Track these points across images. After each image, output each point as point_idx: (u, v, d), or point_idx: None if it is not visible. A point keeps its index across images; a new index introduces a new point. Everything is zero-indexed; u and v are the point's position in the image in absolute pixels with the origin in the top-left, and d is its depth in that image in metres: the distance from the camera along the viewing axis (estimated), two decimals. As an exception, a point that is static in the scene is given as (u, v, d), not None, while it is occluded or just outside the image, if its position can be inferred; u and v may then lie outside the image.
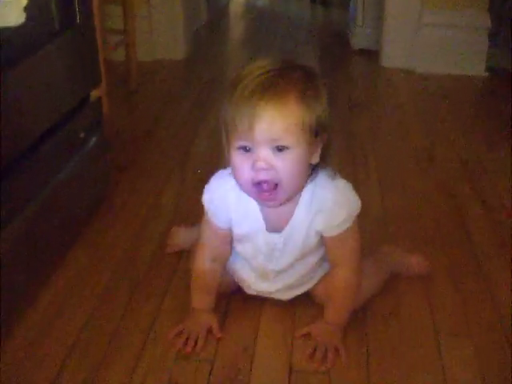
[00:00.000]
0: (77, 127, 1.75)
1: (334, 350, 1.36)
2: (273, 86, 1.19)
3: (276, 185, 1.24)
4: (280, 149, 1.21)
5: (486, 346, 1.40)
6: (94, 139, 1.84)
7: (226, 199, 1.35)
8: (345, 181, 1.35)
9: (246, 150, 1.22)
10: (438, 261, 1.69)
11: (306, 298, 1.52)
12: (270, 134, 1.19)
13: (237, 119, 1.19)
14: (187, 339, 1.39)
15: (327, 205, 1.32)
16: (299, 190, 1.31)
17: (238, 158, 1.24)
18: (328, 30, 4.41)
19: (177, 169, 2.22)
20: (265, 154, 1.20)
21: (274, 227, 1.36)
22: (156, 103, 2.86)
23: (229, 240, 1.43)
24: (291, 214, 1.34)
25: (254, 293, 1.52)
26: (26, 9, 1.25)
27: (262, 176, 1.23)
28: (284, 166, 1.22)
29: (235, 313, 1.50)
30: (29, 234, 1.48)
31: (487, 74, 3.27)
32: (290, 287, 1.49)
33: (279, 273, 1.45)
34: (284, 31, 4.33)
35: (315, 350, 1.37)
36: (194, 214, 1.76)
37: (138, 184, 2.10)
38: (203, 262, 1.44)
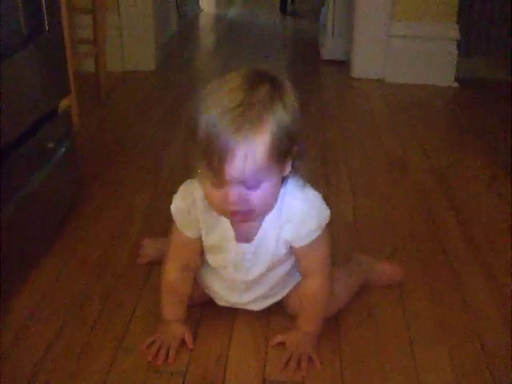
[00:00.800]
0: (46, 137, 1.72)
1: (308, 359, 1.35)
2: (243, 124, 1.12)
3: (250, 210, 1.22)
4: (251, 186, 1.18)
5: (460, 354, 1.39)
6: (63, 149, 1.81)
7: (194, 210, 1.33)
8: (314, 191, 1.33)
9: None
10: (411, 268, 1.69)
11: (279, 308, 1.51)
12: (241, 176, 1.15)
13: (207, 155, 1.15)
14: (158, 351, 1.37)
15: (296, 215, 1.29)
16: (274, 206, 1.29)
17: (208, 187, 1.22)
18: (298, 41, 4.43)
19: (148, 177, 2.20)
20: (236, 192, 1.18)
21: (244, 237, 1.34)
22: (127, 113, 2.84)
23: (199, 250, 1.41)
24: (260, 223, 1.32)
25: (226, 304, 1.50)
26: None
27: (235, 208, 1.20)
28: (258, 197, 1.20)
29: (208, 322, 1.49)
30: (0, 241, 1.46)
31: (457, 84, 3.29)
32: (263, 297, 1.47)
33: (250, 284, 1.43)
34: (254, 42, 4.33)
35: (289, 359, 1.35)
36: (167, 221, 1.75)
37: (110, 193, 2.08)
38: (173, 272, 1.42)
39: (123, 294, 1.58)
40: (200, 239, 1.38)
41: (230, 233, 1.34)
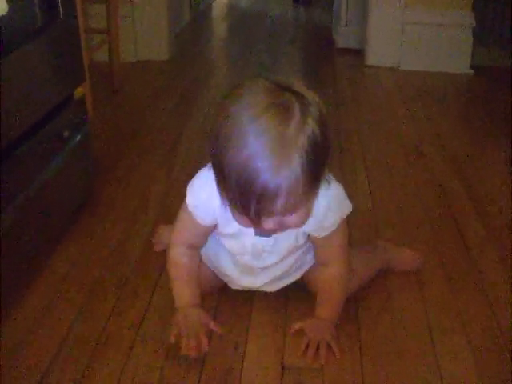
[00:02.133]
0: (61, 125, 1.72)
1: (327, 346, 1.34)
2: (281, 164, 1.03)
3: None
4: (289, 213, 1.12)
5: (480, 343, 1.38)
6: (78, 137, 1.80)
7: (211, 204, 1.27)
8: (337, 184, 1.30)
9: None
10: (429, 256, 1.68)
11: (297, 294, 1.50)
12: (282, 210, 1.09)
13: (242, 197, 1.06)
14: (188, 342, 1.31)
15: (319, 210, 1.25)
16: None
17: (238, 215, 1.14)
18: (312, 30, 4.40)
19: (163, 166, 2.19)
20: (274, 222, 1.12)
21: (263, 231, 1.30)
22: (140, 102, 2.83)
23: (209, 233, 1.39)
24: None
25: (239, 288, 1.49)
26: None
27: (268, 231, 1.19)
28: (295, 221, 1.14)
29: (224, 311, 1.48)
30: (14, 232, 1.45)
31: (472, 71, 3.26)
32: (278, 279, 1.46)
33: (265, 268, 1.42)
34: (267, 31, 4.31)
35: (307, 346, 1.34)
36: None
37: (124, 181, 2.07)
38: (181, 251, 1.39)
39: (139, 282, 1.57)
40: (213, 226, 1.36)
41: (249, 228, 1.28)
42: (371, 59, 3.39)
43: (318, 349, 1.34)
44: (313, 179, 1.08)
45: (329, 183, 1.25)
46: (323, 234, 1.33)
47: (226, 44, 4.08)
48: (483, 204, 1.95)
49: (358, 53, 3.58)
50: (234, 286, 1.50)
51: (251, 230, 1.29)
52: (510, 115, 2.67)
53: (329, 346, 1.34)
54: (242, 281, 1.47)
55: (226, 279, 1.50)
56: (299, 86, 1.09)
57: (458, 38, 3.24)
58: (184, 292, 1.39)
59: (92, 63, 2.84)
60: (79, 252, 1.69)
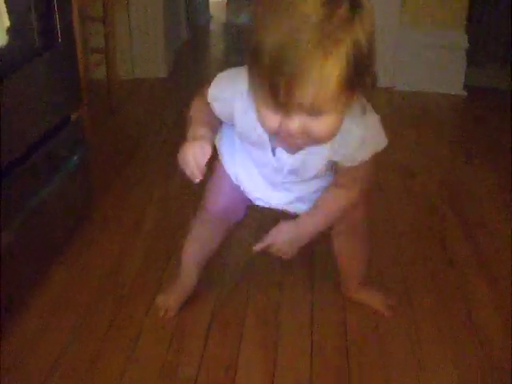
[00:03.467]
0: (58, 146, 1.75)
1: (276, 250, 1.37)
2: (319, 45, 0.97)
3: (308, 143, 1.13)
4: (316, 113, 1.05)
5: (465, 368, 1.40)
6: (75, 158, 1.83)
7: (231, 105, 1.22)
8: (374, 115, 1.23)
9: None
10: (417, 276, 1.70)
11: (289, 314, 1.53)
12: (310, 102, 1.01)
13: (273, 78, 0.99)
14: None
15: (353, 141, 1.19)
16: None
17: (264, 111, 1.07)
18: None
19: (159, 188, 2.21)
20: (299, 120, 1.05)
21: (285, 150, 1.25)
22: (138, 120, 2.86)
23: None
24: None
25: (264, 204, 1.44)
26: (8, 30, 1.25)
27: (292, 138, 1.09)
28: (320, 130, 1.07)
29: (217, 329, 1.51)
30: (10, 252, 1.48)
31: (465, 93, 3.30)
32: (290, 202, 1.42)
33: (284, 184, 1.37)
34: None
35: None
36: (178, 231, 1.78)
37: (120, 202, 2.10)
38: (203, 101, 1.30)
39: (134, 303, 1.60)
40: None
41: (267, 146, 1.25)
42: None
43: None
44: (349, 77, 1.01)
45: (365, 112, 1.17)
46: (352, 164, 1.25)
47: (223, 62, 4.12)
48: (472, 227, 1.98)
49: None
50: (258, 202, 1.45)
51: (269, 151, 1.26)
52: (501, 137, 2.71)
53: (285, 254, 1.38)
54: (266, 195, 1.42)
55: (250, 195, 1.44)
56: None
57: (451, 59, 3.29)
58: (197, 126, 1.28)
59: (90, 81, 2.87)
60: (74, 271, 1.72)
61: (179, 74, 3.62)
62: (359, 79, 1.03)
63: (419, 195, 2.19)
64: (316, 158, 1.25)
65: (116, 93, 2.99)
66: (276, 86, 0.99)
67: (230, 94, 1.21)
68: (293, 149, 1.22)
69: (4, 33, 1.23)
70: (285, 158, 1.26)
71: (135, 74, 3.47)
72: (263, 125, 1.11)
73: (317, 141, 1.11)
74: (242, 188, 1.43)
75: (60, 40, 1.76)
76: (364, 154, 1.24)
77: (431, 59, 3.29)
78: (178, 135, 2.57)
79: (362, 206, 1.43)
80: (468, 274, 1.73)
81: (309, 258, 1.79)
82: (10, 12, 1.39)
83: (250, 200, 1.45)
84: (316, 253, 1.80)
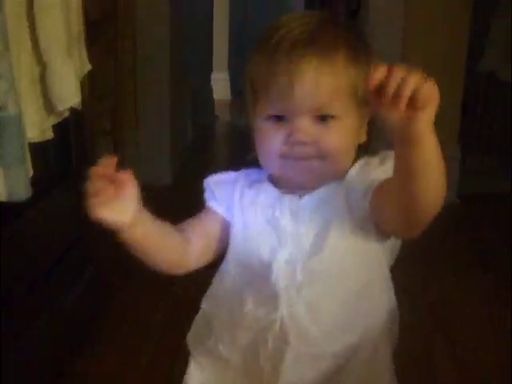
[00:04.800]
0: (73, 262, 1.88)
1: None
2: (318, 38, 0.95)
3: (317, 154, 0.98)
4: (324, 118, 0.96)
5: None
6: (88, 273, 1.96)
7: (235, 184, 1.09)
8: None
9: (279, 118, 0.98)
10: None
11: None
12: (314, 99, 0.94)
13: (270, 78, 0.95)
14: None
15: (373, 160, 1.00)
16: (341, 171, 1.00)
17: (267, 128, 0.99)
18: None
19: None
20: (305, 124, 0.95)
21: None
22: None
23: (218, 235, 1.09)
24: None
25: None
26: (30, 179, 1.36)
27: (300, 151, 0.96)
28: (329, 138, 0.96)
29: None
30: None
31: (458, 200, 3.43)
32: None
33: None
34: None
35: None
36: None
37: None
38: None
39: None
40: (225, 224, 1.08)
41: (274, 189, 1.05)
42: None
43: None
44: (353, 81, 0.96)
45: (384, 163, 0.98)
46: (386, 175, 0.93)
47: (226, 165, 4.23)
48: (460, 351, 2.04)
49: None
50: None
51: (276, 192, 1.04)
52: (492, 249, 2.81)
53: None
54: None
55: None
56: None
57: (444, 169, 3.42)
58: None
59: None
60: None
61: (184, 180, 3.70)
62: (361, 88, 0.94)
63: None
64: (334, 191, 1.00)
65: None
66: (275, 85, 0.95)
67: (233, 176, 1.11)
68: (302, 173, 1.00)
69: (28, 184, 1.34)
70: (296, 200, 1.02)
71: (140, 180, 3.54)
72: (264, 152, 1.01)
73: (326, 151, 0.96)
74: None
75: (75, 165, 1.90)
76: (376, 161, 1.00)
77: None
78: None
79: None
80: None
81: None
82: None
83: None
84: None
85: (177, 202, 3.41)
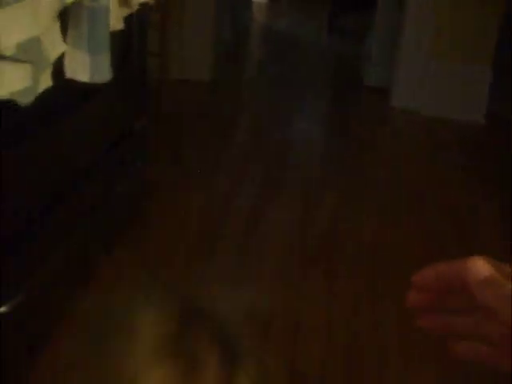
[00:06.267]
0: (125, 152, 2.03)
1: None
2: None
3: None
4: None
5: None
6: (139, 163, 2.11)
7: None
8: None
9: None
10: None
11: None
12: None
13: None
14: None
15: None
16: None
17: None
18: (343, 61, 4.70)
19: (203, 188, 2.46)
20: None
21: None
22: (183, 123, 3.12)
23: None
24: None
25: None
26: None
27: None
28: None
29: None
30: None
31: (486, 121, 3.54)
32: None
33: None
34: (302, 58, 4.61)
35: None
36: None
37: (167, 201, 2.35)
38: None
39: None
40: None
41: None
42: (395, 101, 3.69)
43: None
44: None
45: None
46: None
47: (263, 68, 4.34)
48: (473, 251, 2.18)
49: (384, 92, 3.84)
50: None
51: None
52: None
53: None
54: None
55: None
56: None
57: (475, 90, 3.53)
58: None
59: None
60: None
61: (223, 77, 3.83)
62: None
63: (427, 223, 2.43)
64: None
65: (165, 97, 3.18)
66: None
67: None
68: None
69: (110, 68, 1.47)
70: None
71: (183, 75, 3.63)
72: None
73: None
74: None
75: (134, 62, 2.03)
76: None
77: (457, 89, 3.54)
78: (223, 134, 2.75)
79: None
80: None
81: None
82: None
83: None
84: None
85: (216, 96, 3.55)
